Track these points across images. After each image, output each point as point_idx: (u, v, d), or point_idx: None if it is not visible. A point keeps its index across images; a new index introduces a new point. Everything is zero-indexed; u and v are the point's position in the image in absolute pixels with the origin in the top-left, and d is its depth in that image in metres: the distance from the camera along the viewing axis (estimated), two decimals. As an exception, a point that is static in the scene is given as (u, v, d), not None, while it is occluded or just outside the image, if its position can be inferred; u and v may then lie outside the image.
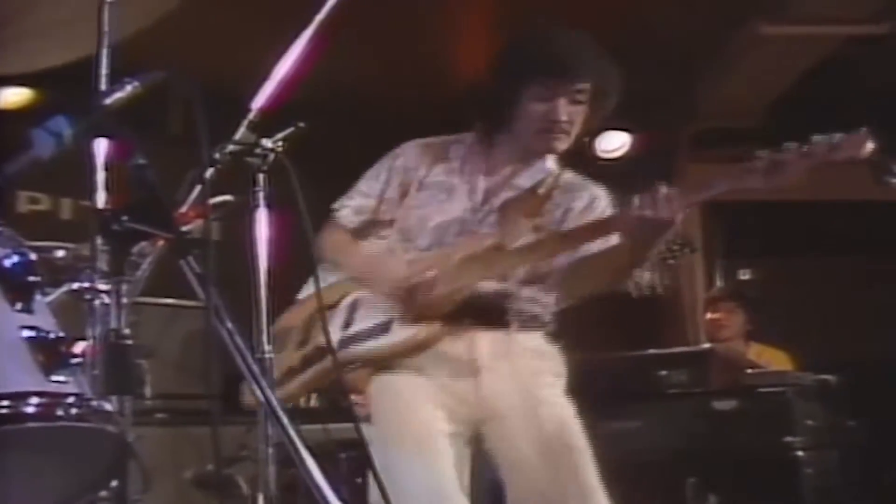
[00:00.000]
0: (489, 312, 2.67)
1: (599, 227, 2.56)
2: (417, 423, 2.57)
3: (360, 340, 2.67)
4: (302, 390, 2.82)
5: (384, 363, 2.65)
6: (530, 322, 2.71)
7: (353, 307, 2.74)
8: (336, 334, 2.65)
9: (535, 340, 2.73)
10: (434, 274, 2.59)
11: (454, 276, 2.60)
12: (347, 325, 2.70)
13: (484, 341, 2.66)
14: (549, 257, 2.62)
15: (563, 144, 2.66)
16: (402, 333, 2.62)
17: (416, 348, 2.61)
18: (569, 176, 2.77)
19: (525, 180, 2.72)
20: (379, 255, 2.74)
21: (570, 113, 2.61)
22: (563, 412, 2.65)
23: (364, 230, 2.78)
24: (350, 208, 2.75)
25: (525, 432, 2.60)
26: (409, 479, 2.48)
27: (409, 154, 2.76)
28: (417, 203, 2.72)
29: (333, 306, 2.72)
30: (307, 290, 2.78)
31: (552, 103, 2.59)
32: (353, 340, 2.67)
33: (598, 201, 2.74)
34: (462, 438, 2.60)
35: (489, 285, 2.66)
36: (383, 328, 2.65)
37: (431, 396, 2.61)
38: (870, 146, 2.37)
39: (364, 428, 2.50)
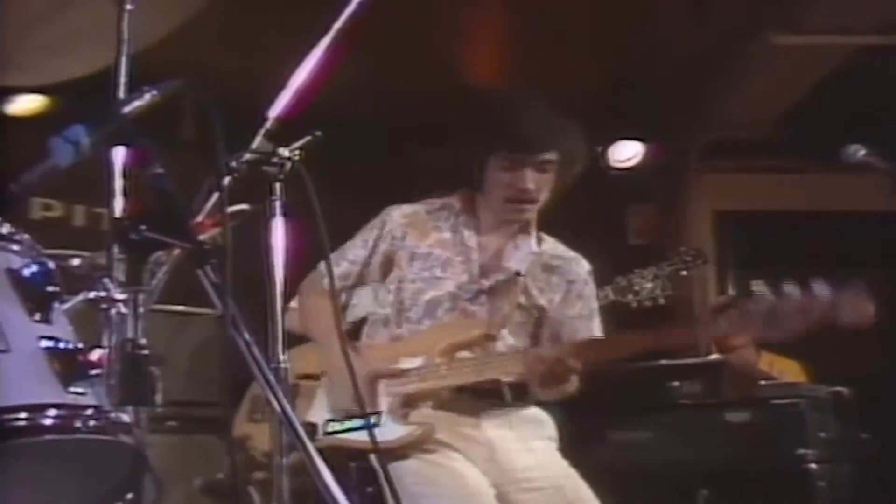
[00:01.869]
0: (486, 388, 2.66)
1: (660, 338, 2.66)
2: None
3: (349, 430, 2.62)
4: None
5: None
6: (522, 395, 2.72)
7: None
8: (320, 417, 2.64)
9: (530, 409, 2.75)
10: (406, 368, 2.61)
11: (441, 373, 2.60)
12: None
13: (487, 417, 2.66)
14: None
15: (530, 214, 2.71)
16: (394, 430, 2.57)
17: (410, 447, 2.57)
18: (548, 252, 2.81)
19: (515, 263, 2.74)
20: (357, 344, 2.72)
21: (536, 181, 2.63)
22: (571, 471, 2.66)
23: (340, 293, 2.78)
24: (335, 274, 2.67)
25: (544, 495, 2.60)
26: None
27: (395, 222, 2.78)
28: (412, 276, 2.72)
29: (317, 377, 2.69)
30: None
31: (518, 173, 2.62)
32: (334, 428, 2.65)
33: (588, 275, 2.83)
34: None
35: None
36: (374, 418, 2.58)
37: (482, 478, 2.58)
38: (871, 312, 2.41)
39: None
